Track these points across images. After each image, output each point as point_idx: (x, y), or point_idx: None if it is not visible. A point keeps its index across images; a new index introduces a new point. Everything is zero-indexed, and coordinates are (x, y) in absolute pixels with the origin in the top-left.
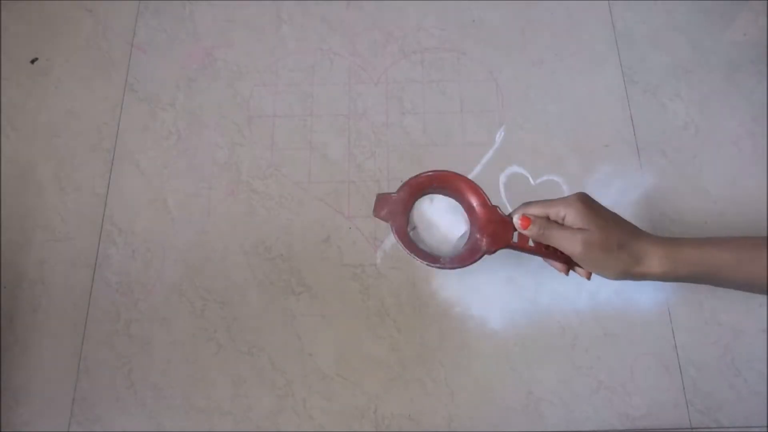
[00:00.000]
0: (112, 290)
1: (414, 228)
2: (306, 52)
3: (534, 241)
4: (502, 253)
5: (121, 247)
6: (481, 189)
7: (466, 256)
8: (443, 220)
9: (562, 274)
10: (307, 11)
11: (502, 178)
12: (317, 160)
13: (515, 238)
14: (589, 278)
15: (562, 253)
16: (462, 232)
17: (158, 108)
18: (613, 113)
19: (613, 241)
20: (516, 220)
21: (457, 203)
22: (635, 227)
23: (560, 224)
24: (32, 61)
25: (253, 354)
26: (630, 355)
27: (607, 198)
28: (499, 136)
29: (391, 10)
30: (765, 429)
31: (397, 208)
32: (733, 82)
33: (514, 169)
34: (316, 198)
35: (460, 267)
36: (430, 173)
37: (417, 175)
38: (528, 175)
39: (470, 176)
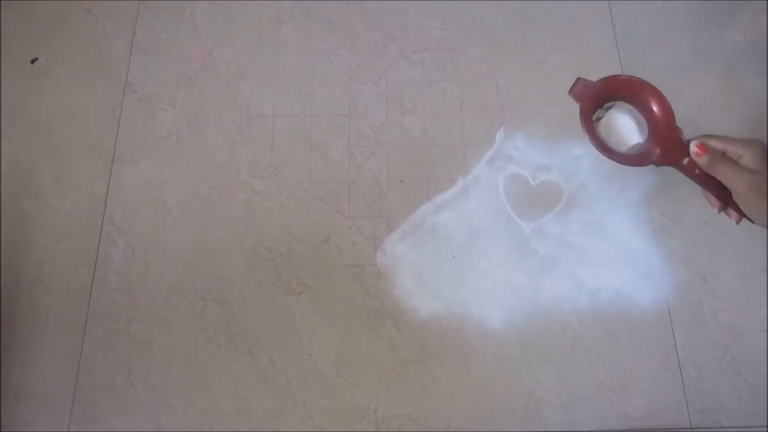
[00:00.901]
0: (112, 290)
1: (597, 120)
2: (306, 52)
3: (700, 171)
4: (503, 253)
5: (121, 247)
6: (671, 108)
7: (636, 158)
8: (626, 124)
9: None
10: (307, 11)
11: (502, 178)
12: (317, 160)
13: (686, 161)
14: (738, 221)
15: (723, 189)
16: (637, 142)
17: (158, 108)
18: None
19: None
20: (693, 146)
21: (642, 114)
22: None
23: (732, 161)
24: (32, 61)
25: (253, 354)
26: (630, 355)
27: (607, 198)
28: (499, 136)
29: (391, 10)
30: (765, 429)
31: (590, 94)
32: (733, 82)
33: (514, 169)
34: (316, 198)
35: (627, 164)
36: (629, 77)
37: (617, 76)
38: (528, 176)
39: (470, 176)
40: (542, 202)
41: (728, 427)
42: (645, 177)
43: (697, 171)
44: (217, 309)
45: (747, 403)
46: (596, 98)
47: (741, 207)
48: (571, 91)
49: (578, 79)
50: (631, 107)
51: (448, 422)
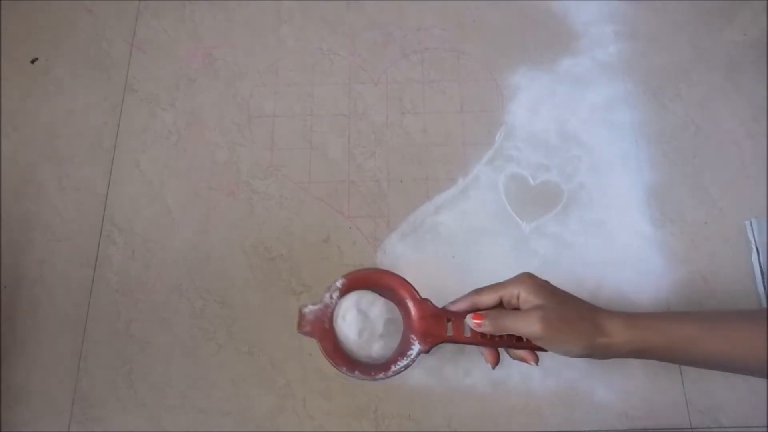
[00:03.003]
0: (112, 290)
1: (342, 331)
2: (306, 52)
3: (473, 333)
4: (503, 253)
5: (121, 247)
6: (409, 282)
7: (398, 363)
8: (372, 319)
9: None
10: (307, 11)
11: (502, 178)
12: (317, 160)
13: (450, 331)
14: (537, 363)
15: (510, 338)
16: (392, 328)
17: (158, 108)
18: (613, 113)
19: (573, 313)
20: (469, 320)
21: (386, 300)
22: (590, 303)
23: (511, 310)
24: (32, 61)
25: (253, 354)
26: None
27: (607, 198)
28: (499, 136)
29: (391, 10)
30: (765, 429)
31: (325, 320)
32: (733, 82)
33: (514, 169)
34: (316, 198)
35: (392, 376)
36: (353, 274)
37: (342, 279)
38: (528, 176)
39: (470, 176)
40: (542, 202)
41: (728, 427)
42: (645, 177)
43: (468, 335)
44: (217, 309)
45: (747, 403)
46: (331, 319)
47: (545, 347)
48: (301, 330)
49: (300, 312)
50: (370, 295)
51: (448, 422)
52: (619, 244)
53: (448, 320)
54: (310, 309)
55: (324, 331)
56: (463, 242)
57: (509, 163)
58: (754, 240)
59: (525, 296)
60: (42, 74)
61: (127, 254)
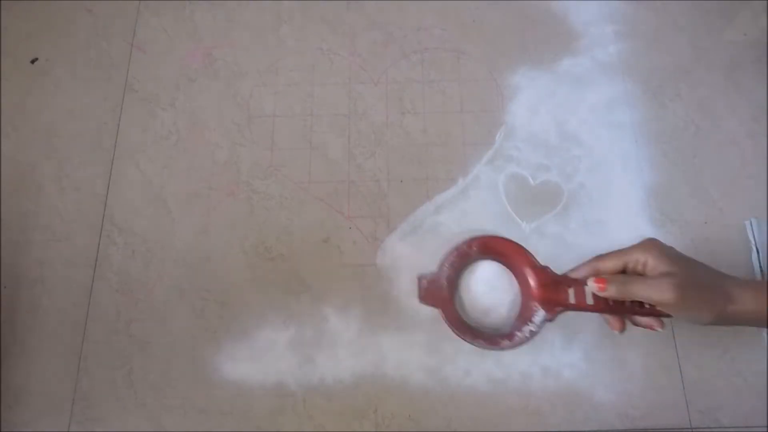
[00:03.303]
0: (112, 290)
1: (462, 302)
2: (306, 52)
3: (596, 300)
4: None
5: (121, 247)
6: (527, 250)
7: (522, 331)
8: (491, 289)
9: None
10: (307, 11)
11: (502, 179)
12: (317, 160)
13: (572, 298)
14: (663, 328)
15: (633, 305)
16: (511, 299)
17: (158, 108)
18: (613, 113)
19: (705, 280)
20: (591, 284)
21: (503, 268)
22: (718, 270)
23: (639, 276)
24: (32, 61)
25: (253, 353)
26: (630, 355)
27: (607, 198)
28: (499, 136)
29: (391, 10)
30: (765, 429)
31: (443, 288)
32: (733, 82)
33: (514, 169)
34: (316, 198)
35: (518, 344)
36: (470, 240)
37: (457, 246)
38: (528, 176)
39: (470, 176)
40: (542, 202)
41: (728, 427)
42: (645, 177)
43: (590, 303)
44: (217, 309)
45: (747, 403)
46: (451, 287)
47: (674, 314)
48: (423, 300)
49: (418, 279)
50: (487, 263)
51: (448, 422)
52: (619, 244)
53: (568, 287)
54: (427, 279)
55: (444, 300)
56: None
57: (509, 163)
58: (754, 240)
59: (653, 263)
60: (42, 74)
61: (127, 254)
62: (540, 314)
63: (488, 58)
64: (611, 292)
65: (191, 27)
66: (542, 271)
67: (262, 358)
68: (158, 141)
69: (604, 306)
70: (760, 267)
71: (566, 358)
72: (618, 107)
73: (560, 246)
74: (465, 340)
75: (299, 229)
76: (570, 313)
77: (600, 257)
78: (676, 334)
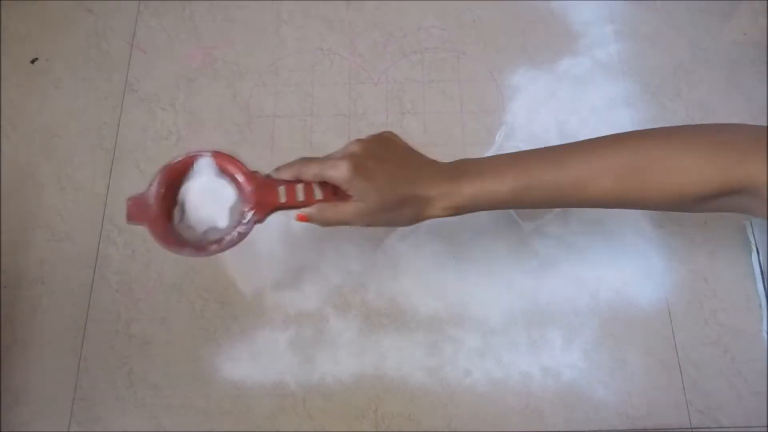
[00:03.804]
0: (112, 290)
1: (183, 218)
2: (306, 52)
3: (304, 194)
4: (503, 253)
5: (121, 247)
6: (237, 158)
7: (232, 234)
8: (209, 201)
9: None
10: (307, 11)
11: None
12: None
13: (282, 198)
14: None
15: (343, 195)
16: (229, 207)
17: (158, 108)
18: (613, 113)
19: (389, 202)
20: (294, 219)
21: (221, 179)
22: (414, 166)
23: (336, 205)
24: (32, 61)
25: (253, 353)
26: (630, 355)
27: None
28: (499, 136)
29: (391, 10)
30: (765, 429)
31: (150, 207)
32: (733, 82)
33: None
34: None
35: (230, 246)
36: (179, 158)
37: (166, 164)
38: None
39: None
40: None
41: (728, 427)
42: None
43: (301, 199)
44: (217, 309)
45: (747, 403)
46: (162, 205)
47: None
48: (129, 219)
49: (126, 201)
50: (205, 177)
51: (448, 422)
52: (619, 244)
53: (278, 186)
54: (133, 199)
55: (150, 217)
56: (463, 242)
57: None
58: (754, 240)
59: (343, 187)
60: (42, 74)
61: (127, 254)
62: (249, 215)
63: (488, 58)
64: (315, 220)
65: (191, 27)
66: (252, 175)
67: (261, 358)
68: (158, 141)
69: (315, 201)
70: (760, 267)
71: (566, 358)
72: (618, 107)
73: (560, 246)
74: (174, 251)
75: (299, 229)
76: (570, 315)
77: (304, 162)
78: (676, 334)
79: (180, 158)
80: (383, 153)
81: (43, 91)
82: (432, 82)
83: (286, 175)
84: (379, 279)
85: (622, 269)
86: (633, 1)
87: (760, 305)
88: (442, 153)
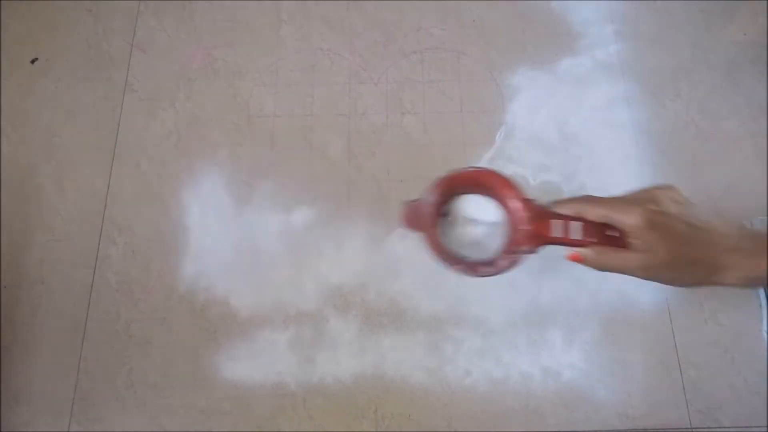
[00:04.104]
0: (112, 290)
1: (447, 232)
2: (306, 52)
3: (581, 232)
4: None
5: (121, 247)
6: (514, 182)
7: (504, 260)
8: (478, 220)
9: None
10: (307, 11)
11: None
12: (317, 160)
13: (558, 232)
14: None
15: (620, 240)
16: (497, 230)
17: (158, 108)
18: (613, 113)
19: (681, 260)
20: (566, 256)
21: (491, 201)
22: (705, 229)
23: (618, 250)
24: (32, 61)
25: (252, 353)
26: (630, 355)
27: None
28: (499, 136)
29: (391, 10)
30: (765, 429)
31: (428, 216)
32: (733, 82)
33: (514, 169)
34: (317, 198)
35: (501, 272)
36: (459, 172)
37: (446, 176)
38: (528, 176)
39: None
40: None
41: (728, 427)
42: (645, 176)
43: (577, 237)
44: (217, 309)
45: (747, 403)
46: (436, 216)
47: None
48: (407, 225)
49: (405, 204)
50: (474, 196)
51: (448, 422)
52: None
53: (552, 220)
54: (412, 204)
55: (427, 226)
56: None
57: (509, 163)
58: None
59: (633, 235)
60: (42, 74)
61: (127, 254)
62: (524, 246)
63: (488, 58)
64: (590, 263)
65: (191, 27)
66: (528, 203)
67: (262, 358)
68: (158, 141)
69: (590, 241)
70: None
71: (566, 358)
72: (618, 107)
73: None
74: (446, 265)
75: (299, 228)
76: (570, 315)
77: (589, 201)
78: (676, 334)
79: (462, 171)
80: (674, 207)
81: (43, 91)
82: (432, 82)
83: (567, 210)
84: (379, 279)
85: None
86: (633, 1)
87: (760, 305)
88: (442, 153)
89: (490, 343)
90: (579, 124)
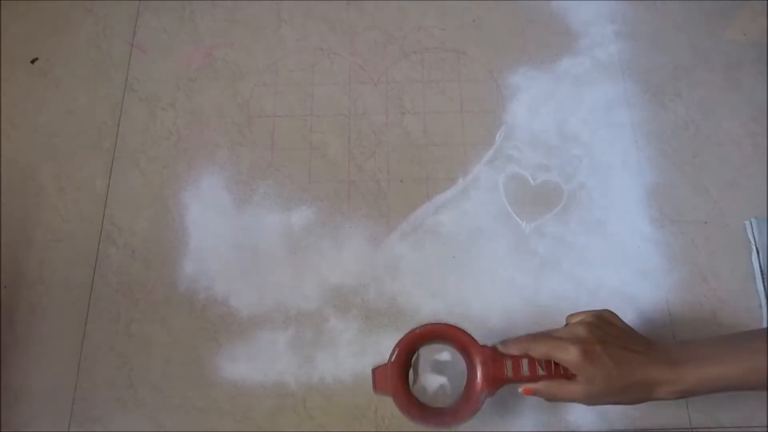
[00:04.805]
0: (112, 290)
1: (415, 385)
2: (306, 52)
3: (529, 369)
4: (503, 253)
5: (121, 247)
6: (467, 332)
7: (464, 407)
8: (439, 370)
9: None
10: (307, 11)
11: (502, 179)
12: (317, 160)
13: (509, 372)
14: None
15: (567, 372)
16: (459, 375)
17: (158, 108)
18: (613, 113)
19: (617, 387)
20: (520, 390)
21: (451, 350)
22: (642, 355)
23: (564, 383)
24: (32, 61)
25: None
26: None
27: (607, 198)
28: (499, 136)
29: (391, 10)
30: (765, 429)
31: (395, 378)
32: (733, 82)
33: (514, 169)
34: (316, 198)
35: (465, 420)
36: (416, 331)
37: (405, 337)
38: (528, 176)
39: (470, 176)
40: (542, 202)
41: (728, 427)
42: (645, 177)
43: (526, 374)
44: (217, 309)
45: (747, 402)
46: (402, 375)
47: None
48: (378, 390)
49: (373, 372)
50: (435, 346)
51: None
52: (619, 244)
53: (505, 361)
54: (378, 370)
55: (395, 387)
56: (463, 242)
57: (509, 163)
58: (754, 240)
59: (577, 369)
60: (42, 74)
61: (127, 254)
62: (482, 392)
63: (488, 58)
64: (541, 395)
65: (191, 27)
66: (482, 349)
67: (261, 358)
68: (158, 141)
69: (539, 376)
70: (760, 267)
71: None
72: (618, 107)
73: (560, 246)
74: (417, 423)
75: (299, 228)
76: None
77: (533, 340)
78: (676, 334)
79: (420, 328)
80: (606, 336)
81: (43, 91)
82: (432, 82)
83: (513, 350)
84: (379, 279)
85: (622, 269)
86: (633, 1)
87: (760, 305)
88: (442, 153)
89: (490, 343)
90: (579, 124)
